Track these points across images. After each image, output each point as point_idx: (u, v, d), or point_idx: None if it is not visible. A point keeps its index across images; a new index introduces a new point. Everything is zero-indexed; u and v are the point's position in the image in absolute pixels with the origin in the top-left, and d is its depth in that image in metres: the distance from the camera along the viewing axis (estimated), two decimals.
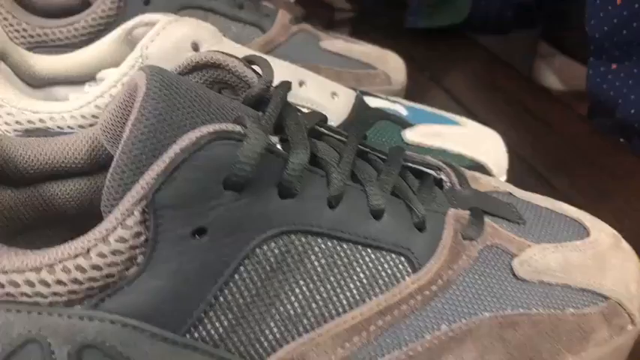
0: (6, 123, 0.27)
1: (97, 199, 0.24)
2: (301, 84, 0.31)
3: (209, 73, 0.22)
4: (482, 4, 0.68)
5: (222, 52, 0.22)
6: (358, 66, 0.45)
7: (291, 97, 0.30)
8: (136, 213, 0.17)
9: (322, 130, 0.23)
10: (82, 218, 0.24)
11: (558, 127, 0.51)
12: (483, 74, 0.61)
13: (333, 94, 0.32)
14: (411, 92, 0.49)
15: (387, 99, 0.37)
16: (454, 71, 0.62)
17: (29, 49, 0.36)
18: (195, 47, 0.28)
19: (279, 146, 0.19)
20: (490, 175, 0.35)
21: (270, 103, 0.20)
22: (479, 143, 0.36)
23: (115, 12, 0.36)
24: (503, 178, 0.36)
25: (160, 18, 0.30)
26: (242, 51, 0.29)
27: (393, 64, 0.47)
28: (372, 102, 0.35)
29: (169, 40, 0.28)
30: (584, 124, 0.52)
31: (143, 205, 0.17)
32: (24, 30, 0.35)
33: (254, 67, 0.23)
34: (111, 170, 0.18)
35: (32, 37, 0.36)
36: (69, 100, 0.33)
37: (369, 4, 0.75)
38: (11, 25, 0.35)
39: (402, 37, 0.69)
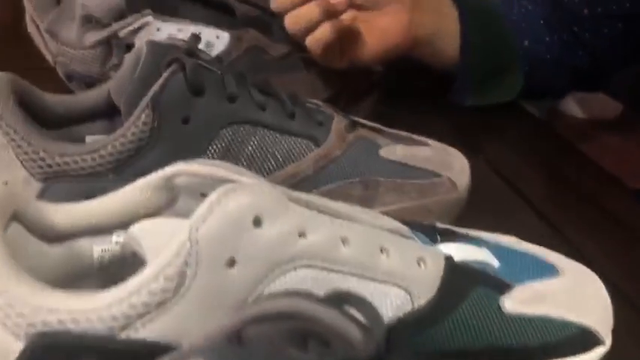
0: (16, 325, 0.21)
1: None
2: (382, 251, 0.25)
3: (292, 322, 0.16)
4: (536, 74, 0.62)
5: (310, 300, 0.16)
6: (421, 175, 0.39)
7: (372, 271, 0.24)
8: None
9: None
10: None
11: None
12: (547, 159, 0.55)
13: (420, 260, 0.26)
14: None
15: (468, 238, 0.31)
16: (511, 153, 0.56)
17: (46, 179, 0.30)
18: (258, 221, 0.22)
19: None
20: (600, 342, 0.29)
21: None
22: (583, 301, 0.30)
23: (147, 134, 0.31)
24: (609, 341, 0.30)
25: (207, 171, 0.24)
26: (311, 223, 0.23)
27: (458, 167, 0.41)
28: (457, 252, 0.29)
29: (226, 217, 0.22)
30: None
31: None
32: (41, 159, 0.30)
33: (350, 308, 0.17)
34: None
35: (50, 166, 0.30)
36: (93, 254, 0.28)
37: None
38: (26, 153, 0.30)
39: (443, 104, 0.63)
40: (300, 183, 0.35)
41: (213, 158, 0.33)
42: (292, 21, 0.49)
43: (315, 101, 0.39)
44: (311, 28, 0.49)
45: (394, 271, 0.25)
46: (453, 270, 0.26)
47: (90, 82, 0.52)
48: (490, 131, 0.59)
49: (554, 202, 0.49)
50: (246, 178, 0.25)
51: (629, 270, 0.41)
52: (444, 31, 0.58)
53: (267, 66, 0.54)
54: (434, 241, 0.29)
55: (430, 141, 0.42)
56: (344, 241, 0.24)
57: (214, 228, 0.21)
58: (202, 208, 0.22)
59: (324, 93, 0.57)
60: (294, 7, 0.48)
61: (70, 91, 0.54)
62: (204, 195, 0.27)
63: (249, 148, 0.33)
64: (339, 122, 0.37)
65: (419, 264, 0.26)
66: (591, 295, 0.30)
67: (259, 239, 0.22)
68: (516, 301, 0.27)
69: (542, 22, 0.62)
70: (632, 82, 0.76)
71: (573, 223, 0.46)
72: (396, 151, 0.38)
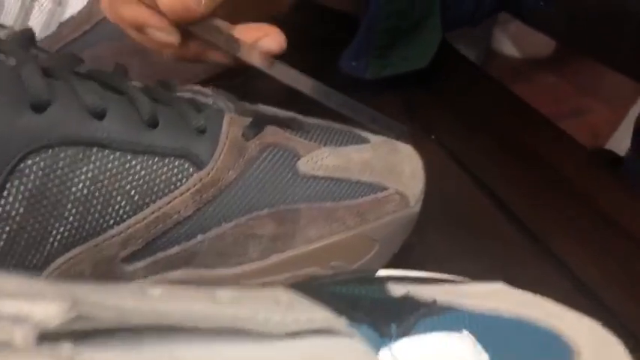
0: None
1: None
2: None
3: None
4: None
5: None
6: (360, 192, 0.27)
7: None
8: None
9: None
10: None
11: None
12: (509, 133, 0.44)
13: None
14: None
15: (438, 315, 0.20)
16: (467, 130, 0.45)
17: None
18: None
19: None
20: None
21: None
22: None
23: None
24: None
25: None
26: None
27: (408, 171, 0.30)
28: (426, 352, 0.17)
29: None
30: None
31: None
32: None
33: None
34: None
35: None
36: None
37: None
38: None
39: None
40: (172, 232, 0.22)
41: (14, 212, 0.19)
42: None
43: (192, 88, 0.26)
44: None
45: None
46: None
47: None
48: (441, 104, 0.48)
49: (521, 193, 0.39)
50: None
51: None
52: None
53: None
54: (387, 335, 0.18)
55: (369, 134, 0.30)
56: None
57: None
58: None
59: (202, 71, 0.41)
60: None
61: None
62: None
63: (79, 185, 0.20)
64: (233, 123, 0.24)
65: None
66: None
67: None
68: None
69: None
70: (564, 17, 0.66)
71: (548, 221, 0.36)
72: (322, 160, 0.26)
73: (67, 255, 0.21)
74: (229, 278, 0.25)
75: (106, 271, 0.22)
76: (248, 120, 0.25)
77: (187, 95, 0.26)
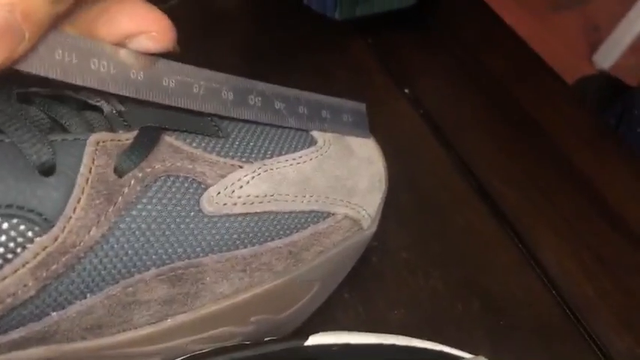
0: None
1: None
2: None
3: None
4: None
5: None
6: (294, 225, 0.20)
7: None
8: None
9: None
10: None
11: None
12: (501, 90, 0.36)
13: None
14: (396, 137, 0.24)
15: None
16: (448, 86, 0.37)
17: None
18: None
19: None
20: None
21: None
22: None
23: None
24: None
25: None
26: None
27: (364, 186, 0.23)
28: None
29: None
30: None
31: None
32: None
33: None
34: None
35: None
36: None
37: None
38: None
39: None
40: (8, 316, 0.16)
41: None
42: None
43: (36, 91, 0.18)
44: None
45: None
46: None
47: None
48: (413, 37, 0.39)
49: (512, 183, 0.32)
50: None
51: None
52: None
53: None
54: None
55: (315, 132, 0.22)
56: None
57: None
58: None
59: None
60: None
61: None
62: None
63: None
64: (101, 152, 0.16)
65: None
66: None
67: None
68: None
69: None
70: None
71: (541, 223, 0.30)
72: (240, 189, 0.19)
73: None
74: (108, 347, 0.18)
75: None
76: (129, 138, 0.17)
77: (41, 91, 0.18)
